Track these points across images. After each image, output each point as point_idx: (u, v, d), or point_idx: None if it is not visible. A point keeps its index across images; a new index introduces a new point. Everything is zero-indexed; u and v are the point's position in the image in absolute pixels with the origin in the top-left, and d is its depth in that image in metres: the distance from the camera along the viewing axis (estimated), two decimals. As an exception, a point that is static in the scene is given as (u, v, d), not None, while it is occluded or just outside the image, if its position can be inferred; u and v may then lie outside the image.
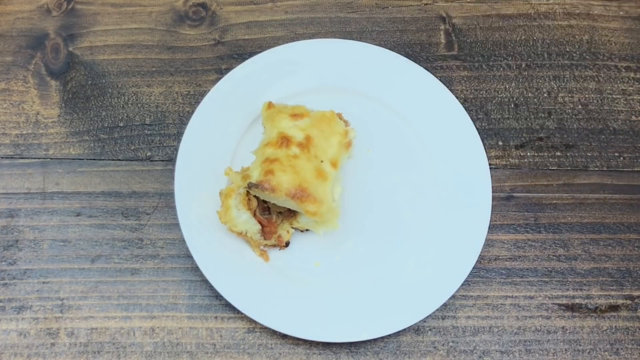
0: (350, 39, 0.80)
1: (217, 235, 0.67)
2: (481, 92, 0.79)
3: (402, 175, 0.72)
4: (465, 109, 0.73)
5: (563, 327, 0.67)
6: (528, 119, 0.78)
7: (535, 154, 0.76)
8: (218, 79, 0.75)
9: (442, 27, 0.83)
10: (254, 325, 0.66)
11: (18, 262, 0.69)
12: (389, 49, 0.77)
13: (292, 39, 0.81)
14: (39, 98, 0.77)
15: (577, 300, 0.68)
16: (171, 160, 0.74)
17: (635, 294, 0.69)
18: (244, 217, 0.65)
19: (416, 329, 0.66)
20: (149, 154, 0.75)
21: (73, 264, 0.69)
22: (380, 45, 0.78)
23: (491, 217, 0.68)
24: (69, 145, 0.75)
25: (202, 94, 0.75)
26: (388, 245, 0.69)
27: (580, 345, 0.66)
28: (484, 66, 0.80)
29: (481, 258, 0.70)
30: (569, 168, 0.75)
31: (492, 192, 0.70)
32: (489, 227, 0.68)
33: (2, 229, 0.70)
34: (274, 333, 0.66)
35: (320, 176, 0.64)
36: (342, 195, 0.67)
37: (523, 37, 0.82)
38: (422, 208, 0.71)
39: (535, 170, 0.75)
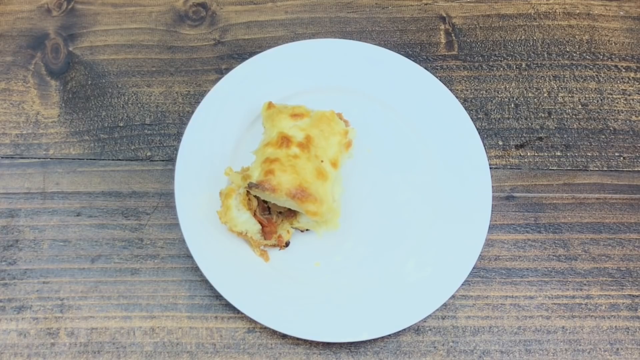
0: (350, 39, 0.80)
1: (217, 235, 0.67)
2: (481, 92, 0.79)
3: (402, 175, 0.72)
4: (465, 109, 0.74)
5: (563, 327, 0.67)
6: (528, 119, 0.78)
7: (535, 154, 0.76)
8: (218, 79, 0.75)
9: (442, 27, 0.83)
10: (254, 325, 0.66)
11: (18, 262, 0.69)
12: (389, 49, 0.77)
13: (292, 39, 0.81)
14: (39, 98, 0.77)
15: (577, 300, 0.68)
16: (171, 160, 0.74)
17: (635, 294, 0.69)
18: (244, 217, 0.65)
19: (416, 329, 0.66)
20: (149, 154, 0.75)
21: (73, 264, 0.69)
22: (380, 45, 0.78)
23: (491, 217, 0.68)
24: (69, 145, 0.75)
25: (202, 94, 0.75)
26: (388, 245, 0.69)
27: (580, 345, 0.66)
28: (484, 66, 0.80)
29: (481, 258, 0.70)
30: (569, 168, 0.75)
31: (492, 192, 0.70)
32: (489, 227, 0.68)
33: (2, 229, 0.70)
34: (274, 333, 0.66)
35: (320, 176, 0.64)
36: (342, 195, 0.67)
37: (523, 37, 0.82)
38: (422, 208, 0.71)
39: (535, 170, 0.75)
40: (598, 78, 0.80)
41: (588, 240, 0.71)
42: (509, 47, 0.82)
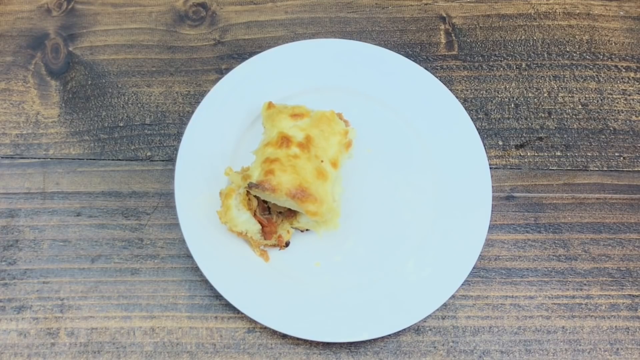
0: (350, 39, 0.80)
1: (217, 235, 0.67)
2: (481, 92, 0.79)
3: (402, 175, 0.72)
4: (465, 109, 0.74)
5: (563, 327, 0.67)
6: (528, 119, 0.78)
7: (535, 154, 0.76)
8: (218, 79, 0.75)
9: (442, 27, 0.83)
10: (254, 325, 0.66)
11: (18, 262, 0.69)
12: (389, 49, 0.77)
13: (292, 39, 0.81)
14: (39, 98, 0.77)
15: (577, 300, 0.68)
16: (171, 160, 0.74)
17: (635, 294, 0.69)
18: (244, 217, 0.65)
19: (416, 329, 0.66)
20: (149, 154, 0.75)
21: (73, 264, 0.69)
22: (380, 45, 0.79)
23: (491, 217, 0.68)
24: (69, 145, 0.75)
25: (202, 94, 0.75)
26: (388, 246, 0.69)
27: (580, 345, 0.66)
28: (484, 66, 0.80)
29: (481, 258, 0.70)
30: (569, 168, 0.75)
31: (492, 192, 0.70)
32: (489, 227, 0.68)
33: (2, 229, 0.70)
34: (274, 333, 0.66)
35: (320, 176, 0.64)
36: (342, 195, 0.67)
37: (523, 37, 0.82)
38: (422, 208, 0.71)
39: (535, 170, 0.75)
40: (598, 78, 0.80)
41: (588, 240, 0.71)
42: (509, 47, 0.82)
